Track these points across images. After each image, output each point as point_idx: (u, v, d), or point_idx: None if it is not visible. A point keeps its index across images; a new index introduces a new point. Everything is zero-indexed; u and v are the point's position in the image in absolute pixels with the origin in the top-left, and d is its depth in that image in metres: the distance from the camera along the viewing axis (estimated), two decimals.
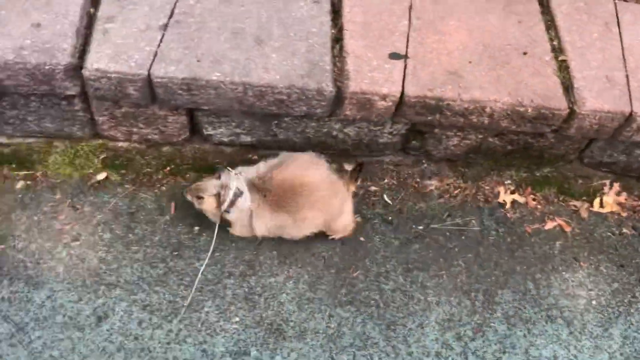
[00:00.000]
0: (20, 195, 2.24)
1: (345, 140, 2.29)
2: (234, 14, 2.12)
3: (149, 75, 1.93)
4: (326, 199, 2.05)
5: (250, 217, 2.06)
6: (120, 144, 2.29)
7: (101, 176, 2.30)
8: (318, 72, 2.02)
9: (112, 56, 1.93)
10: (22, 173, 2.28)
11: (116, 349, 1.98)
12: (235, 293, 2.14)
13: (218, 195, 2.03)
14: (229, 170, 2.05)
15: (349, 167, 2.30)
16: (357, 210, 2.37)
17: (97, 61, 1.91)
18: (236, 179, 2.02)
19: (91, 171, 2.31)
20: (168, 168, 2.36)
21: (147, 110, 2.12)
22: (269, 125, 2.22)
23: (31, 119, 2.13)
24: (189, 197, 2.11)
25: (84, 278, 2.10)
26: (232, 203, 2.01)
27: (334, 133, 2.26)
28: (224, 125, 2.21)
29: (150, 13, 2.06)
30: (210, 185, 2.05)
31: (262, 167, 2.07)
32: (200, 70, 1.96)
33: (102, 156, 2.33)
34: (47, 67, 1.89)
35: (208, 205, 2.07)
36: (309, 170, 2.05)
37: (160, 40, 2.00)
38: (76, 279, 2.09)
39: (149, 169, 2.36)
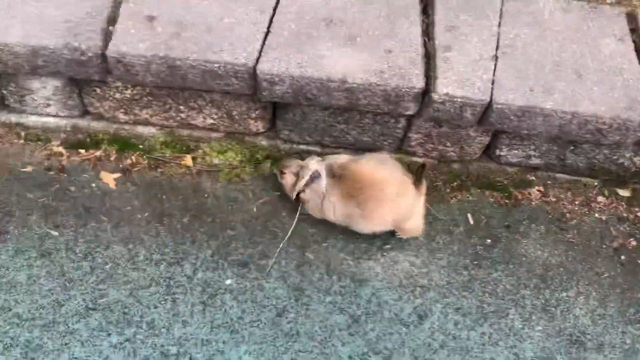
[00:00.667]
0: None
1: (629, 168, 2.45)
2: (550, 48, 2.31)
3: (490, 101, 2.15)
4: (395, 197, 2.14)
5: (322, 200, 2.19)
6: (415, 158, 2.51)
7: None
8: (637, 105, 2.19)
9: (457, 82, 2.15)
10: None
11: (439, 345, 2.19)
12: (534, 304, 2.33)
13: (297, 174, 2.21)
14: (314, 156, 2.26)
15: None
16: (631, 234, 2.52)
17: (446, 86, 2.14)
18: (317, 162, 2.20)
19: None
20: (454, 183, 2.57)
21: (461, 131, 2.33)
22: (564, 150, 2.40)
23: (354, 132, 2.39)
24: (275, 170, 2.34)
25: (400, 279, 2.33)
26: (308, 184, 2.18)
27: (621, 160, 2.42)
28: (521, 147, 2.41)
29: (480, 44, 2.28)
30: (294, 163, 2.27)
31: (343, 157, 2.22)
32: (534, 99, 2.16)
33: None
34: (403, 90, 2.13)
35: (287, 181, 2.28)
36: (383, 167, 2.16)
37: (494, 70, 2.21)
38: (393, 279, 2.32)
39: (437, 183, 2.58)
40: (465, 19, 2.34)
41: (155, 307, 2.16)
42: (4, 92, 2.32)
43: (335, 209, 2.20)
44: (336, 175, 2.15)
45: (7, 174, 2.41)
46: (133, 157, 2.49)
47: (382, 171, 2.16)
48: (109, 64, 2.11)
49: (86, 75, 2.16)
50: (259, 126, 2.42)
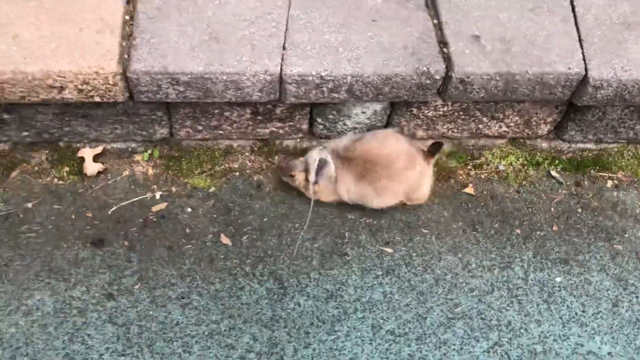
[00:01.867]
0: (615, 193, 2.65)
1: None
2: None
3: None
4: (404, 171, 2.23)
5: (335, 183, 2.26)
6: None
7: None
8: None
9: None
10: (606, 174, 2.70)
11: None
12: None
13: (306, 170, 2.25)
14: (316, 147, 2.29)
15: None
16: None
17: None
18: (319, 150, 2.23)
19: None
20: None
21: None
22: None
23: (639, 127, 2.54)
24: (284, 179, 2.35)
25: None
26: (318, 173, 2.22)
27: None
28: None
29: None
30: (297, 162, 2.30)
31: (345, 140, 2.29)
32: None
33: None
34: None
35: (299, 181, 2.30)
36: (388, 142, 2.25)
37: None
38: None
39: None
40: None
41: (506, 310, 2.29)
42: (318, 119, 2.40)
43: (349, 191, 2.27)
44: (344, 159, 2.22)
45: None
46: None
47: (388, 146, 2.23)
48: (449, 84, 2.22)
49: (421, 97, 2.26)
50: (545, 129, 2.56)
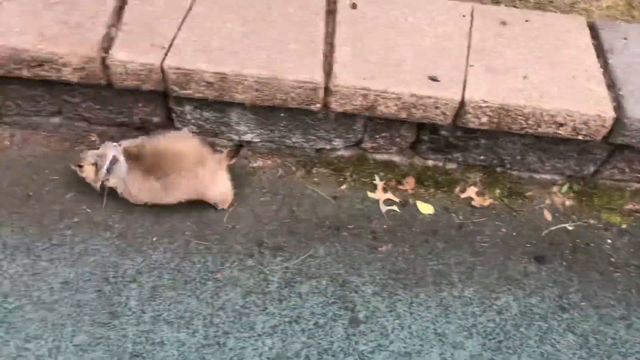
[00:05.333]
0: None
1: None
2: None
3: None
4: (192, 166, 2.24)
5: (126, 183, 2.27)
6: None
7: None
8: None
9: None
10: None
11: None
12: None
13: (96, 164, 2.25)
14: (108, 142, 2.29)
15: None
16: None
17: None
18: (113, 147, 2.24)
19: None
20: None
21: None
22: None
23: None
24: (72, 167, 2.31)
25: None
26: (109, 170, 2.23)
27: None
28: None
29: None
30: (89, 154, 2.28)
31: (139, 140, 2.29)
32: None
33: None
34: None
35: (87, 173, 2.29)
36: (178, 142, 2.28)
37: None
38: None
39: None
40: None
41: None
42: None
43: (137, 188, 2.27)
44: (134, 156, 2.24)
45: None
46: None
47: (178, 145, 2.27)
48: None
49: None
50: None
